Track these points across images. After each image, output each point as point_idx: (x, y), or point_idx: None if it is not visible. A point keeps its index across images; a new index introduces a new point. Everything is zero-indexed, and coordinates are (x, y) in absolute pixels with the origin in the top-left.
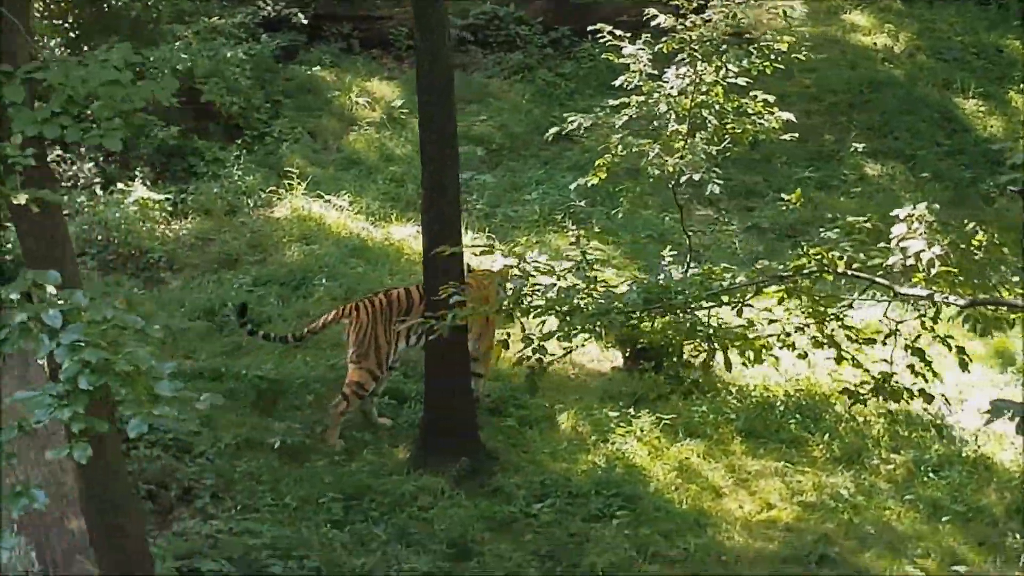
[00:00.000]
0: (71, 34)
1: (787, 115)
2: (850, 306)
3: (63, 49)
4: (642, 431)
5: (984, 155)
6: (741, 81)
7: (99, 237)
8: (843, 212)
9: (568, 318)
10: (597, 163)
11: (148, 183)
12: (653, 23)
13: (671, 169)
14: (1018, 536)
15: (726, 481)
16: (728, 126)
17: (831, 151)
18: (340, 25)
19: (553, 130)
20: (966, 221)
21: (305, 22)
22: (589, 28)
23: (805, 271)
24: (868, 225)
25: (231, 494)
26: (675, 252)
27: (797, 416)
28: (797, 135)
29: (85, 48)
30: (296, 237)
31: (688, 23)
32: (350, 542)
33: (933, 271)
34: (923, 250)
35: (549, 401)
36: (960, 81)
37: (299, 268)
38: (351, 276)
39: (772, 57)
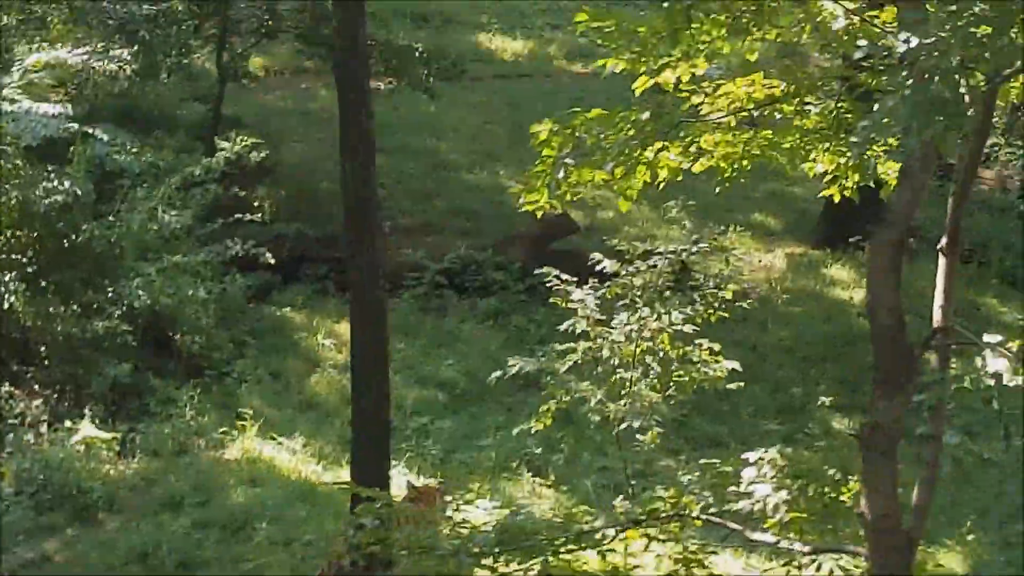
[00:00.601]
0: (28, 269)
1: (732, 364)
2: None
3: (19, 284)
4: None
5: None
6: (688, 328)
7: (40, 476)
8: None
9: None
10: (541, 409)
11: (97, 421)
12: (598, 267)
13: (611, 416)
14: None
15: None
16: (674, 374)
17: (800, 404)
18: (316, 266)
19: (496, 374)
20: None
21: (273, 262)
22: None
23: (661, 514)
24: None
25: None
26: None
27: None
28: (765, 386)
29: (43, 283)
30: (243, 480)
31: (632, 269)
32: None
33: (778, 516)
34: (769, 495)
35: None
36: None
37: (241, 512)
38: (294, 521)
39: (716, 306)
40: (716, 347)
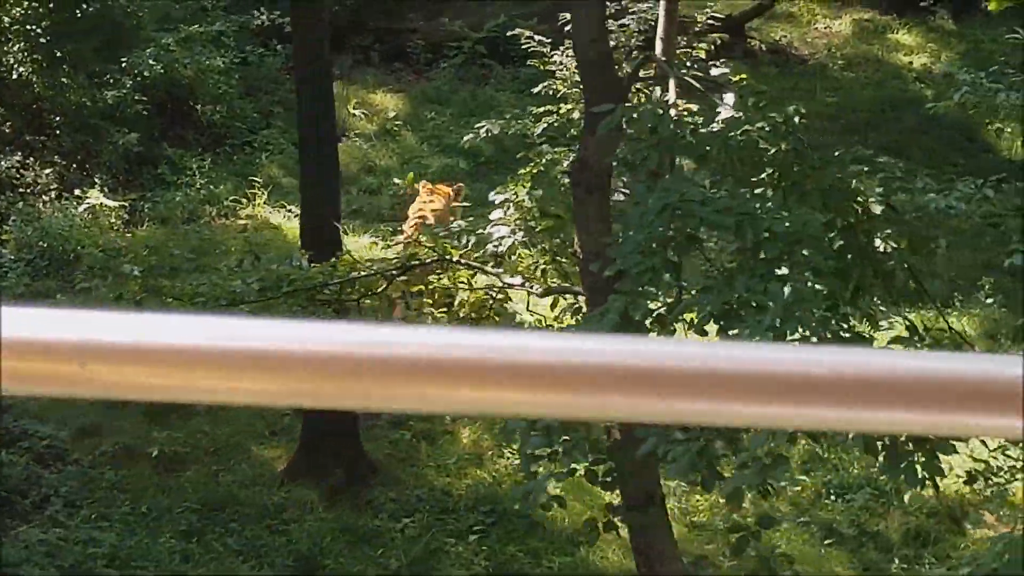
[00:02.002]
0: (43, 39)
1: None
2: None
3: (31, 55)
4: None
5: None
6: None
7: (41, 243)
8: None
9: None
10: (520, 172)
11: (106, 190)
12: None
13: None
14: (905, 564)
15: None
16: None
17: None
18: (361, 36)
19: (468, 137)
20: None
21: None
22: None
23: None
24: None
25: (90, 502)
26: None
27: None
28: None
29: (58, 54)
30: (243, 248)
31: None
32: (197, 553)
33: (514, 257)
34: (505, 236)
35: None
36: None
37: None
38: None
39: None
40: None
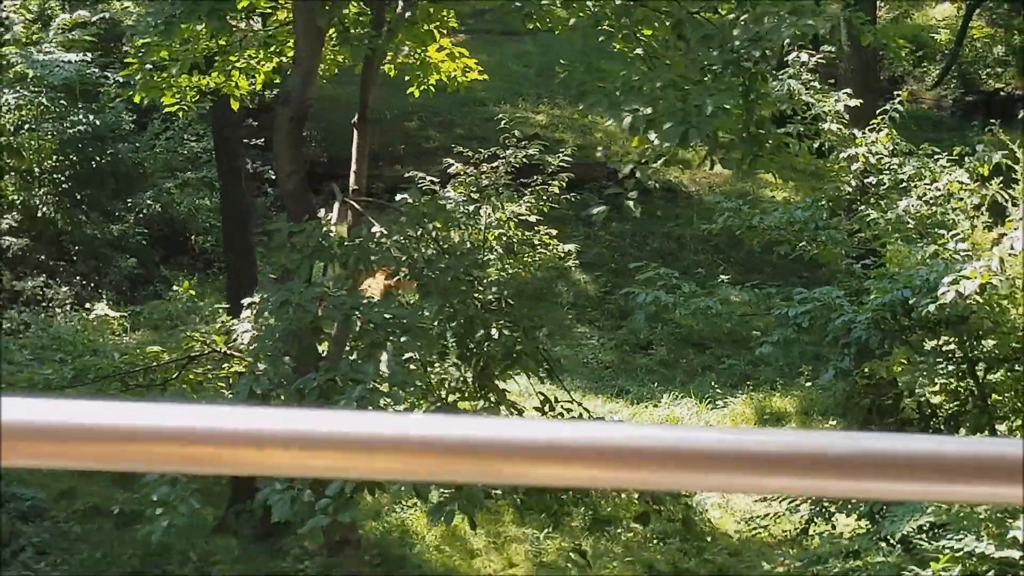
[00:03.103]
0: (66, 184)
1: (570, 246)
2: None
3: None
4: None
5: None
6: (532, 218)
7: (53, 346)
8: None
9: None
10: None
11: (111, 303)
12: (449, 170)
13: None
14: None
15: (484, 544)
16: (519, 256)
17: None
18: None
19: None
20: None
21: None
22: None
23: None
24: None
25: (56, 550)
26: None
27: (570, 490)
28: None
29: (78, 196)
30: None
31: (474, 170)
32: None
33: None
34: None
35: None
36: None
37: None
38: None
39: (545, 199)
40: (553, 232)
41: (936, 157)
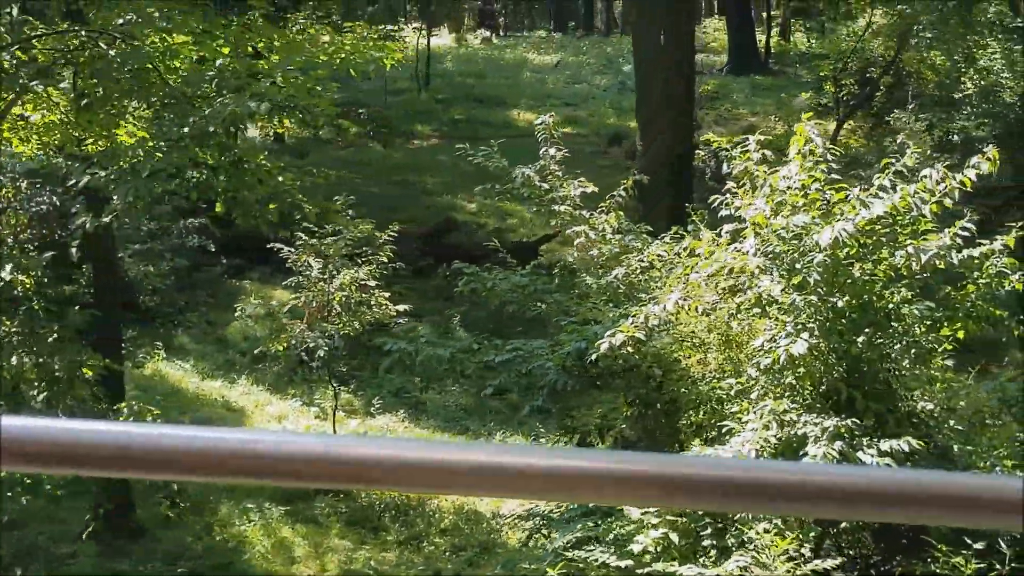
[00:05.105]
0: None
1: (402, 307)
2: None
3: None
4: (270, 518)
5: None
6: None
7: None
8: None
9: None
10: (271, 339)
11: None
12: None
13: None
14: None
15: (305, 552)
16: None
17: None
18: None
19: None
20: None
21: (212, 250)
22: None
23: None
24: None
25: None
26: None
27: (392, 511)
28: None
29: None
30: (135, 386)
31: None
32: None
33: None
34: None
35: (216, 494)
36: None
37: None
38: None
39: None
40: (387, 294)
41: (648, 233)
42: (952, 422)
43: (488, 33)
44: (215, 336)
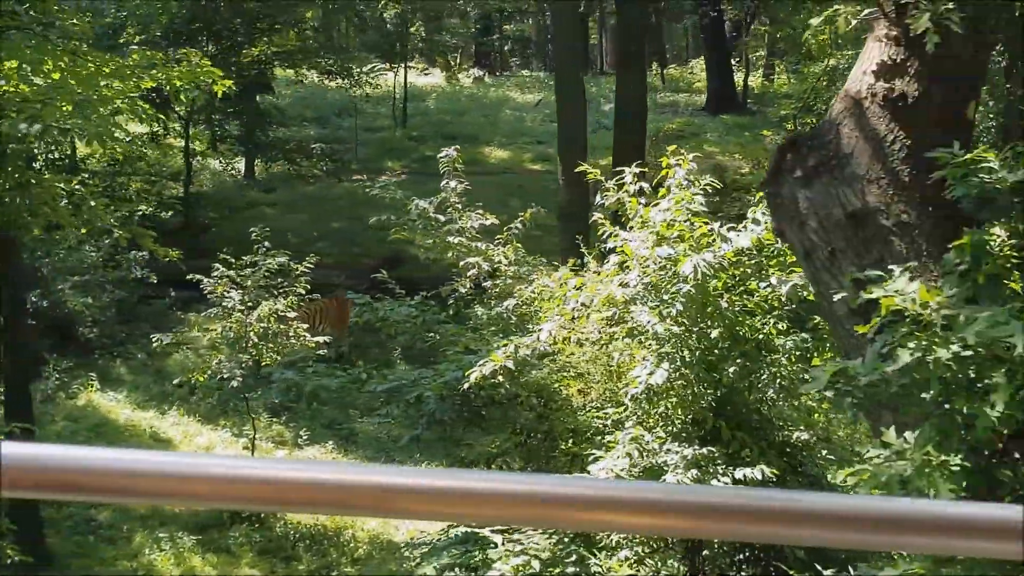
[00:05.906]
0: None
1: (322, 338)
2: None
3: None
4: (181, 547)
5: None
6: (291, 314)
7: None
8: None
9: None
10: (192, 371)
11: None
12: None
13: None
14: None
15: None
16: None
17: None
18: None
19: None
20: None
21: (154, 281)
22: None
23: None
24: None
25: None
26: None
27: (307, 540)
28: None
29: None
30: (65, 416)
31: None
32: None
33: None
34: None
35: (132, 525)
36: None
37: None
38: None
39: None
40: (304, 325)
41: (544, 264)
42: (825, 452)
43: (482, 73)
44: (155, 367)
